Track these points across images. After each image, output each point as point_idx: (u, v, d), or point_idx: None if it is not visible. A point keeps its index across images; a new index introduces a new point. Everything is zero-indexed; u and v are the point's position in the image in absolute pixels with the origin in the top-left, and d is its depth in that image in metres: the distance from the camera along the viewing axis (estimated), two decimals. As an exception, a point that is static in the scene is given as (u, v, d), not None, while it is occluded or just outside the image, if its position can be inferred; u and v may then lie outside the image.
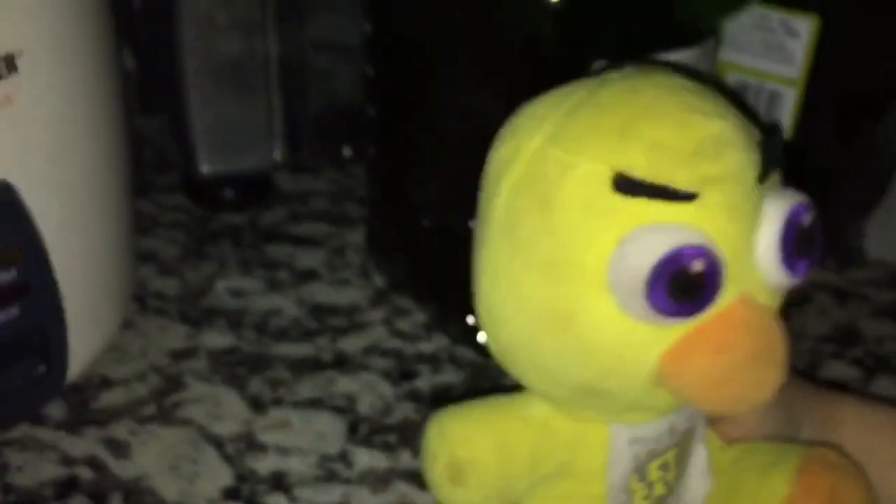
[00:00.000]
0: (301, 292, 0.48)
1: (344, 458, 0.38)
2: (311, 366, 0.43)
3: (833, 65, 0.45)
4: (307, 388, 0.42)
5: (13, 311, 0.32)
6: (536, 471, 0.28)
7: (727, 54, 0.46)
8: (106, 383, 0.41)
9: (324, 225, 0.53)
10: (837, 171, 0.50)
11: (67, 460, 0.37)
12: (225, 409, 0.41)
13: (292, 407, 0.41)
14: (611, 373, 0.26)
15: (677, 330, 0.24)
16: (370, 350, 0.44)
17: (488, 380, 0.43)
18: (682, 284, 0.23)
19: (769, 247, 0.25)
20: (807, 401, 0.35)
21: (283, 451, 0.38)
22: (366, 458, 0.38)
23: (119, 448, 0.38)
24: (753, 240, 0.25)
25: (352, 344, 0.45)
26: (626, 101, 0.25)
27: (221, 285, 0.48)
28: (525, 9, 0.38)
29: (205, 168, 0.51)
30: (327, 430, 0.40)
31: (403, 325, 0.46)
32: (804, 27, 0.44)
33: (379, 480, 0.37)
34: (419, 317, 0.46)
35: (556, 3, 0.38)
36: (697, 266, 0.23)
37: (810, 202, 0.26)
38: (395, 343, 0.45)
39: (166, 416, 0.40)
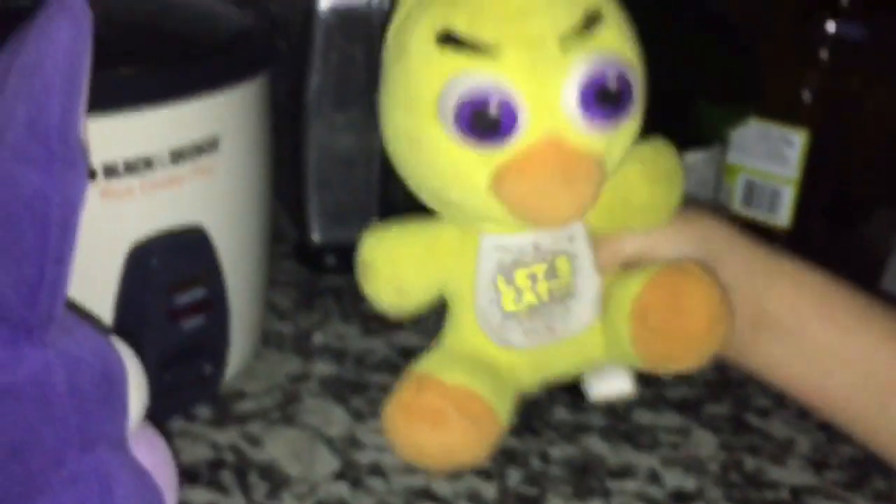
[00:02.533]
0: (391, 338, 0.59)
1: (426, 456, 0.49)
2: (400, 391, 0.54)
3: (823, 169, 0.56)
4: (397, 406, 0.53)
5: (199, 321, 0.44)
6: (429, 272, 0.36)
7: (737, 157, 0.57)
8: (241, 395, 0.53)
9: (408, 288, 0.65)
10: (831, 260, 0.61)
11: (216, 447, 0.49)
12: (333, 418, 0.52)
13: (386, 418, 0.52)
14: (451, 185, 0.34)
15: (498, 157, 0.32)
16: (446, 381, 0.55)
17: (539, 419, 0.53)
18: (479, 118, 0.31)
19: (570, 99, 0.31)
20: (734, 245, 0.38)
21: (379, 448, 0.49)
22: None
23: (254, 440, 0.50)
24: (560, 91, 0.31)
25: (431, 377, 0.56)
26: None
27: (327, 330, 0.60)
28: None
29: (315, 237, 0.64)
30: (413, 437, 0.50)
31: (473, 364, 0.57)
32: (797, 139, 0.56)
33: (453, 475, 0.48)
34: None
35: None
36: (492, 105, 0.31)
37: (621, 69, 0.32)
38: (466, 377, 0.56)
39: (289, 421, 0.51)
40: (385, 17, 0.60)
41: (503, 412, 0.37)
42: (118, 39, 0.41)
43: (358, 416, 0.52)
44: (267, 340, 0.58)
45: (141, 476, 0.35)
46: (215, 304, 0.44)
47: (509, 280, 0.36)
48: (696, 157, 0.52)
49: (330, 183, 0.62)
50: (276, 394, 0.53)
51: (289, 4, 0.61)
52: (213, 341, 0.45)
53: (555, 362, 0.38)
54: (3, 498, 0.33)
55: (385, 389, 0.54)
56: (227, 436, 0.50)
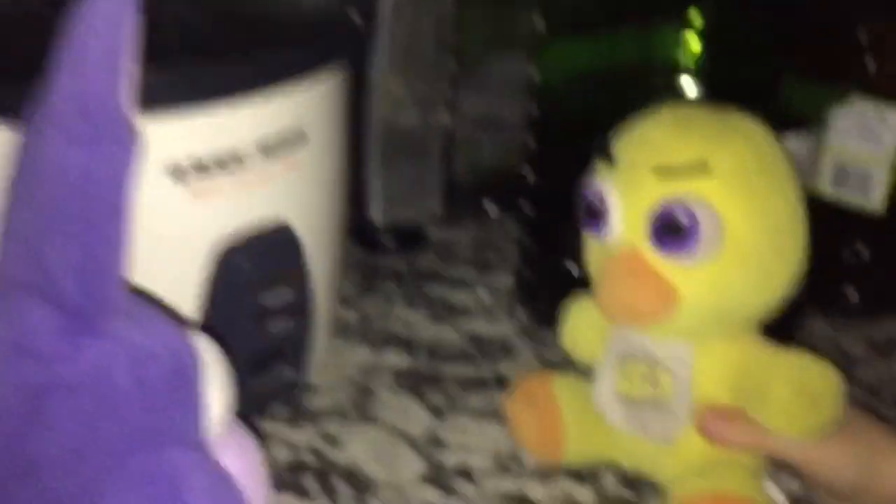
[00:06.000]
0: (460, 325, 0.57)
1: (515, 458, 0.47)
2: (477, 384, 0.52)
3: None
4: (476, 401, 0.51)
5: (286, 324, 0.41)
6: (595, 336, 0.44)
7: (829, 138, 0.55)
8: (314, 389, 0.51)
9: (470, 269, 0.63)
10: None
11: (294, 448, 0.47)
12: (411, 415, 0.50)
13: (467, 415, 0.50)
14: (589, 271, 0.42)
15: (605, 252, 0.39)
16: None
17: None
18: (586, 206, 0.40)
19: (646, 223, 0.37)
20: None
21: (465, 449, 0.47)
22: (533, 459, 0.47)
23: (333, 440, 0.47)
24: (643, 214, 0.37)
25: (507, 368, 0.54)
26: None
27: (392, 317, 0.58)
28: (667, 95, 0.48)
29: (376, 218, 0.61)
30: (498, 436, 0.48)
31: (549, 354, 0.55)
32: (893, 117, 0.53)
33: (546, 476, 0.46)
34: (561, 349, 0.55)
35: (696, 97, 0.47)
36: (595, 200, 0.39)
37: (694, 211, 0.36)
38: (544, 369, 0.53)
39: (366, 418, 0.49)
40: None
41: (573, 442, 0.45)
42: (197, 29, 0.38)
43: (437, 412, 0.50)
44: (334, 327, 0.56)
45: (220, 480, 0.33)
46: (302, 307, 0.42)
47: (623, 367, 0.41)
48: (791, 139, 0.49)
49: (392, 161, 0.59)
50: (349, 389, 0.51)
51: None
52: (298, 344, 0.43)
53: (650, 458, 0.43)
54: (64, 499, 0.31)
55: (461, 383, 0.52)
56: (304, 436, 0.47)
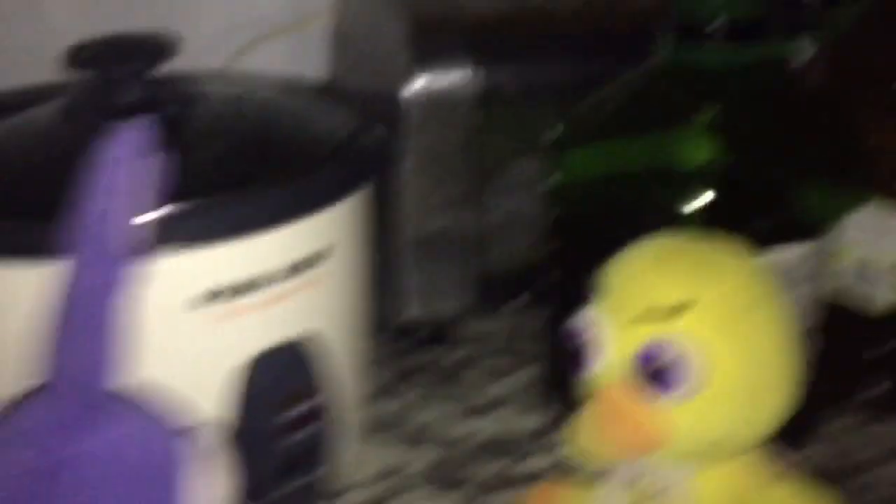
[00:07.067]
0: (495, 419, 0.59)
1: (538, 555, 0.48)
2: (506, 479, 0.53)
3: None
4: (506, 496, 0.52)
5: (313, 430, 0.44)
6: None
7: (845, 242, 0.55)
8: (342, 489, 0.53)
9: (504, 359, 0.65)
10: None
11: (327, 548, 0.49)
12: (443, 512, 0.51)
13: (498, 512, 0.51)
14: None
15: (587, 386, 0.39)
16: (557, 466, 0.54)
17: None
18: (570, 340, 0.39)
19: (631, 366, 0.37)
20: None
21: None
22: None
23: (364, 539, 0.49)
24: (627, 353, 0.37)
25: (539, 462, 0.55)
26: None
27: (425, 411, 0.59)
28: (669, 214, 0.50)
29: (409, 313, 0.64)
30: (524, 533, 0.50)
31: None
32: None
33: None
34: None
35: (698, 210, 0.49)
36: (580, 336, 0.39)
37: (673, 348, 0.36)
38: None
39: (397, 516, 0.51)
40: (477, 99, 0.60)
41: None
42: (229, 160, 0.41)
43: (468, 508, 0.51)
44: (365, 425, 0.58)
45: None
46: (328, 412, 0.44)
47: (628, 485, 0.41)
48: (800, 249, 0.50)
49: (424, 260, 0.62)
50: (379, 486, 0.53)
51: (370, 90, 0.61)
52: (326, 447, 0.45)
53: None
54: None
55: (490, 477, 0.54)
56: (337, 535, 0.49)
